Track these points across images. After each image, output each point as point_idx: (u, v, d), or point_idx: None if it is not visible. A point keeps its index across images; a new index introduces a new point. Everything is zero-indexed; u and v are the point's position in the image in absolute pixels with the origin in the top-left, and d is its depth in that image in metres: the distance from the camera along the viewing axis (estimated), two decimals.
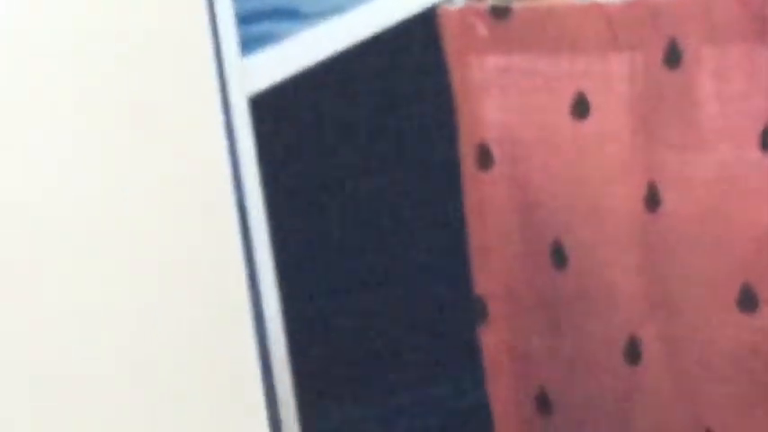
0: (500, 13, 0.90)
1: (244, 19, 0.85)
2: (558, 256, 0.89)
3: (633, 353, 0.85)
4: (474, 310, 0.89)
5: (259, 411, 0.76)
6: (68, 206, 0.62)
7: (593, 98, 0.87)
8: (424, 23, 0.92)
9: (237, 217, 0.76)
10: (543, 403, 0.89)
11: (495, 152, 0.91)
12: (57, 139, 0.62)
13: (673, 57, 0.85)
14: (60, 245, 0.61)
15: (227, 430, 0.72)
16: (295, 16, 0.89)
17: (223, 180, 0.71)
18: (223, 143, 0.71)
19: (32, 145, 0.60)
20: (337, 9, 0.88)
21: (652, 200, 0.87)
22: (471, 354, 0.89)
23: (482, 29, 0.92)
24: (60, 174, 0.62)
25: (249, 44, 0.84)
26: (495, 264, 0.90)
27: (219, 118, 0.71)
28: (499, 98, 0.91)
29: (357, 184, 0.92)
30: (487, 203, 0.93)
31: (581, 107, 0.88)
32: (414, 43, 0.93)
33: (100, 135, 0.65)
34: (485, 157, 0.92)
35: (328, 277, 0.89)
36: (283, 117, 0.86)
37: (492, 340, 0.89)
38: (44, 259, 0.59)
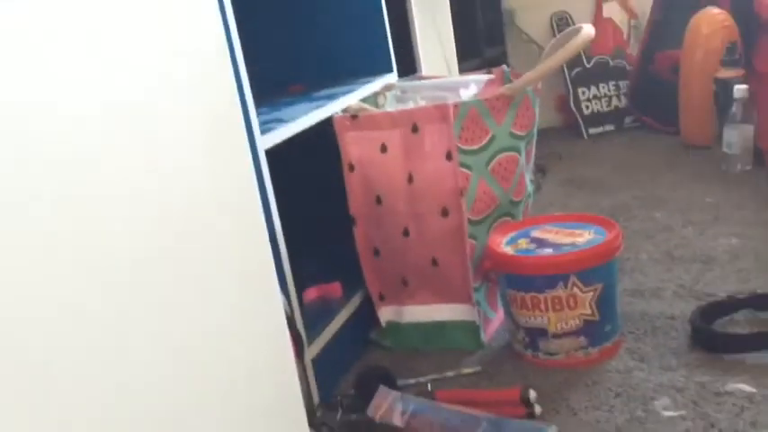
0: (354, 116, 1.50)
1: (262, 122, 1.30)
2: (378, 201, 1.51)
3: (406, 232, 1.53)
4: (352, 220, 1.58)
5: None
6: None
7: (388, 145, 1.48)
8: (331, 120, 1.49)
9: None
10: (376, 251, 1.60)
11: (356, 165, 1.52)
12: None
13: (415, 129, 1.46)
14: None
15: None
16: (279, 120, 1.33)
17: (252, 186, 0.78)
18: (251, 164, 0.79)
19: None
20: (295, 117, 1.36)
21: (410, 180, 1.47)
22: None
23: (348, 122, 1.51)
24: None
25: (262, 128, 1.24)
26: (357, 209, 1.55)
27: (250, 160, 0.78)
28: (355, 145, 1.51)
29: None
30: (354, 188, 1.53)
31: (383, 148, 1.48)
32: (329, 126, 1.50)
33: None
34: (351, 167, 1.51)
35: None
36: (273, 158, 1.28)
37: (358, 231, 1.56)
38: None
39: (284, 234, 1.27)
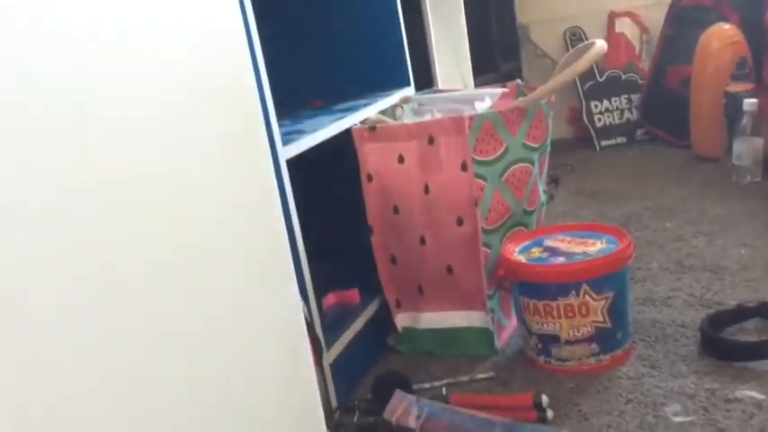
0: (372, 128, 1.52)
1: (284, 133, 1.33)
2: (396, 210, 1.52)
3: (422, 240, 1.53)
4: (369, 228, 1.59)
5: None
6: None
7: (405, 156, 1.49)
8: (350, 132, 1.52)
9: None
10: (393, 259, 1.63)
11: (374, 175, 1.52)
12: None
13: (431, 140, 1.45)
14: None
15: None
16: (300, 132, 1.36)
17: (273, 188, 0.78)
18: (273, 176, 0.80)
19: None
20: (316, 128, 1.39)
21: (426, 190, 1.47)
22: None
23: (366, 133, 1.52)
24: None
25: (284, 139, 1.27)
26: (375, 218, 1.56)
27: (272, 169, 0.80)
28: (373, 156, 1.52)
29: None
30: (371, 197, 1.54)
31: (401, 159, 1.49)
32: (348, 138, 1.52)
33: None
34: (369, 178, 1.52)
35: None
36: (295, 169, 1.30)
37: (375, 239, 1.58)
38: None
39: (304, 242, 1.28)
